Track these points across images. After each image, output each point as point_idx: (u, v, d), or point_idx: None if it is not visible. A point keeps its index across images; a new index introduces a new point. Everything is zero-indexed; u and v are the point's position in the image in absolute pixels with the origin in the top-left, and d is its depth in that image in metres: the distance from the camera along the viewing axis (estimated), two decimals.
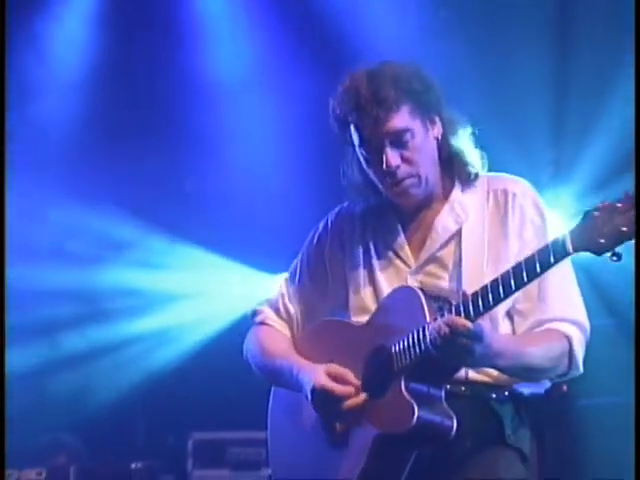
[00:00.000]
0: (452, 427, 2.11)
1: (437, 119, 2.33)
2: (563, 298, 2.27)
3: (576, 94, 5.88)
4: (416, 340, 2.12)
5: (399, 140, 2.27)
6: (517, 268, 2.02)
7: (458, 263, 2.25)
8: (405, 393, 2.12)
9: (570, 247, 1.94)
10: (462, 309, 2.05)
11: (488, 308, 2.04)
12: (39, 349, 5.70)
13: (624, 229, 1.87)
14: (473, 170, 2.34)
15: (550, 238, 2.20)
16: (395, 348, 2.17)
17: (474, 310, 2.03)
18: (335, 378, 2.22)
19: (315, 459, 2.31)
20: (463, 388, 2.22)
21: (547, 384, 2.37)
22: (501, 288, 2.02)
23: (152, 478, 5.18)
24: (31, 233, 7.62)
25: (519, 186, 2.33)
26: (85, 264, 6.11)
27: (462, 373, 2.20)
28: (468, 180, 2.35)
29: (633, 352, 4.31)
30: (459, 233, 2.30)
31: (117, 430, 5.67)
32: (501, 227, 2.27)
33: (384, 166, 2.27)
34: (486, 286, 2.05)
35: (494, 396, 2.24)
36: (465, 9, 6.10)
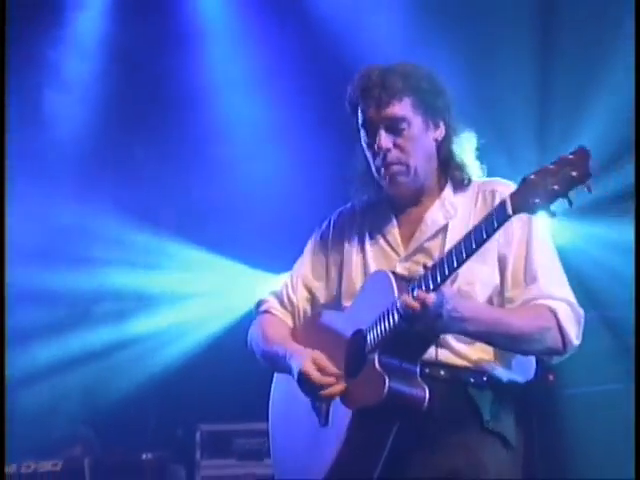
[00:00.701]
0: (424, 398, 2.18)
1: (441, 124, 2.44)
2: (549, 280, 2.32)
3: (560, 96, 5.93)
4: (385, 316, 2.21)
5: (395, 126, 2.37)
6: (467, 237, 2.12)
7: (443, 254, 2.32)
8: (378, 367, 2.20)
9: (510, 210, 2.04)
10: (423, 282, 2.13)
11: (445, 278, 2.13)
12: (54, 347, 5.79)
13: (555, 187, 1.97)
14: (467, 177, 2.45)
15: (535, 234, 2.35)
16: (368, 328, 2.27)
17: (433, 281, 2.12)
18: (319, 367, 2.31)
19: (307, 440, 2.39)
20: (442, 372, 2.29)
21: (530, 373, 2.41)
22: (454, 257, 2.12)
23: (162, 468, 5.30)
24: (39, 236, 7.76)
25: (508, 188, 2.35)
26: (97, 266, 6.21)
27: (437, 355, 2.27)
28: (461, 185, 2.45)
29: (634, 348, 4.45)
30: (446, 227, 2.40)
31: (129, 423, 5.74)
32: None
33: (376, 146, 2.38)
34: (442, 258, 2.15)
35: (472, 380, 2.30)
36: (450, 11, 6.20)
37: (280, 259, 3.51)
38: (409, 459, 2.28)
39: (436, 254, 2.36)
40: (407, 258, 2.40)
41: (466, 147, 2.45)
